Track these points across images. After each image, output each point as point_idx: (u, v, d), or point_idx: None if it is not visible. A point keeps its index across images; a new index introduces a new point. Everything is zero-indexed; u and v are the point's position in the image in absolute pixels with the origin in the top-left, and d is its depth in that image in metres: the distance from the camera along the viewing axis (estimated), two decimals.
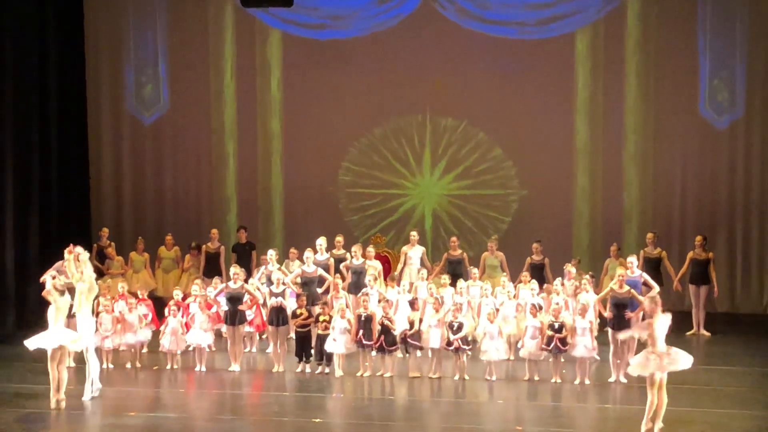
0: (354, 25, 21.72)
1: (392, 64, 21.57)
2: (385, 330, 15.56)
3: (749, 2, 20.34)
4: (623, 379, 15.02)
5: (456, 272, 18.00)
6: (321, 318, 15.73)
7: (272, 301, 16.17)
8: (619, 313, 15.21)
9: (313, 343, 15.87)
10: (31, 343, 13.88)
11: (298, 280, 17.14)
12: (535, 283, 16.81)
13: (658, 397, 12.33)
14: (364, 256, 17.67)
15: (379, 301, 16.18)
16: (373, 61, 21.64)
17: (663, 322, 12.41)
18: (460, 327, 15.40)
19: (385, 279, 17.71)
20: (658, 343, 12.33)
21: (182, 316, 16.28)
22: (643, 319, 13.08)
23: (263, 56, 22.03)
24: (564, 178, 21.31)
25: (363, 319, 15.63)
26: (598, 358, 15.53)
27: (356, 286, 17.18)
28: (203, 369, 16.01)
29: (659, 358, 12.26)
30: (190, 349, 16.26)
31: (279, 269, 16.95)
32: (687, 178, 20.92)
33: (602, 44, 21.05)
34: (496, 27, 21.19)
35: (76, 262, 14.14)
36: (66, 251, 14.18)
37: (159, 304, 17.92)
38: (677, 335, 15.94)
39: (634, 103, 21.01)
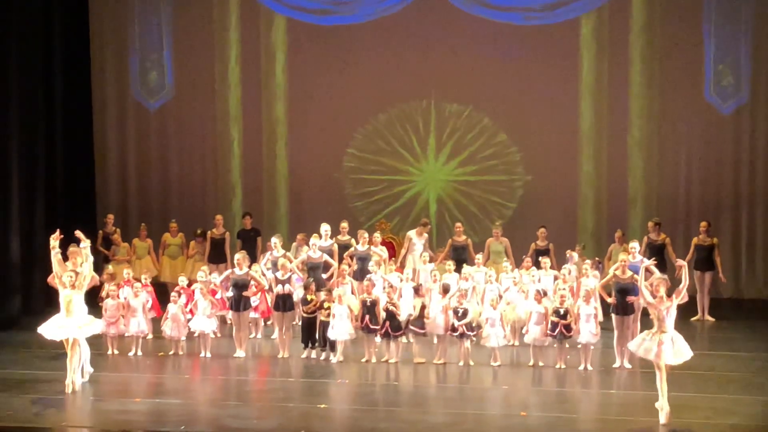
0: (359, 11, 21.69)
1: (397, 49, 21.55)
2: (390, 316, 15.59)
3: None
4: (627, 365, 15.04)
5: (460, 258, 18.01)
6: (325, 304, 15.77)
7: (278, 288, 16.18)
8: (622, 299, 15.22)
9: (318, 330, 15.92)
10: (46, 332, 13.95)
11: (303, 265, 17.17)
12: (535, 270, 16.80)
13: (658, 382, 12.36)
14: (370, 242, 17.67)
15: (384, 287, 16.20)
16: (378, 46, 21.63)
17: (674, 306, 12.45)
18: (464, 313, 15.42)
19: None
20: (664, 326, 12.35)
21: (186, 303, 16.32)
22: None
23: (268, 42, 22.02)
24: (569, 164, 21.30)
25: (368, 304, 15.66)
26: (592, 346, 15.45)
27: (361, 272, 17.18)
28: (208, 355, 16.04)
29: (654, 345, 12.30)
30: (195, 335, 16.28)
31: (284, 255, 16.96)
32: (692, 164, 20.91)
33: (607, 29, 21.02)
34: (500, 12, 21.15)
35: (77, 253, 14.21)
36: (51, 237, 14.18)
37: (163, 290, 17.97)
38: (682, 321, 15.93)
39: (638, 88, 20.97)
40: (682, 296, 12.66)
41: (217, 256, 19.10)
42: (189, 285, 16.70)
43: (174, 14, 22.10)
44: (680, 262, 13.36)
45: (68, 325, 13.74)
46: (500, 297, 16.01)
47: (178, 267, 19.30)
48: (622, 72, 20.98)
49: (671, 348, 12.34)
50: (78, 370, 13.87)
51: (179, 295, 16.37)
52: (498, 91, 21.31)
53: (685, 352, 12.47)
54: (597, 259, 17.06)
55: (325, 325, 15.74)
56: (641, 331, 13.34)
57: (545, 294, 15.84)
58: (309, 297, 15.98)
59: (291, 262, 16.80)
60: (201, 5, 22.08)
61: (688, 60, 20.64)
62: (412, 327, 15.65)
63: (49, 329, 13.91)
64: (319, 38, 21.76)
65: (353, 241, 17.81)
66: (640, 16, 20.85)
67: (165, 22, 22.11)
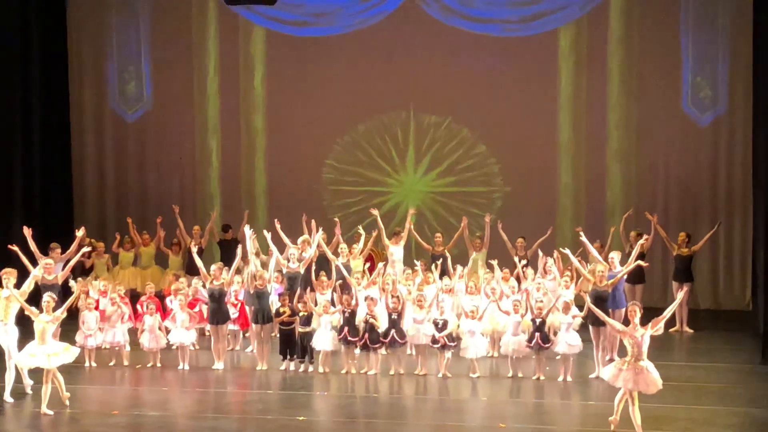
0: (338, 22, 21.71)
1: (376, 61, 21.58)
2: (370, 327, 15.58)
3: None
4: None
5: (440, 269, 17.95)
6: (300, 314, 15.74)
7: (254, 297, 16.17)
8: (598, 308, 15.11)
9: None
10: (20, 361, 13.88)
11: (282, 276, 17.09)
12: (514, 281, 16.78)
13: (631, 412, 12.40)
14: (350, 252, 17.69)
15: (365, 299, 16.18)
16: (357, 58, 21.64)
17: (648, 334, 12.49)
18: (444, 324, 15.42)
19: (371, 272, 17.68)
20: (642, 354, 12.40)
21: (158, 312, 16.27)
22: (626, 323, 13.09)
23: (246, 53, 22.01)
24: (547, 175, 21.35)
25: (347, 315, 15.65)
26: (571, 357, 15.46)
27: (341, 284, 17.09)
28: (186, 367, 15.98)
29: (631, 374, 12.33)
30: (174, 347, 16.22)
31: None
32: (670, 175, 20.97)
33: (585, 41, 21.09)
34: (479, 24, 21.21)
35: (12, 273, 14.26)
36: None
37: (137, 300, 17.89)
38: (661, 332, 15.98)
39: (616, 99, 21.05)
40: (657, 328, 12.66)
41: (195, 267, 18.99)
42: (161, 296, 16.72)
43: (152, 25, 22.08)
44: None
45: (39, 353, 13.61)
46: (477, 308, 15.99)
47: (149, 277, 19.23)
48: (600, 84, 21.05)
49: (647, 377, 12.38)
50: (46, 399, 13.65)
51: (156, 306, 16.30)
52: (477, 103, 21.34)
53: (657, 382, 12.49)
54: (569, 268, 16.92)
55: (303, 336, 15.72)
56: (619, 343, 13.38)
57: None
58: (282, 309, 15.93)
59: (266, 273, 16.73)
60: (179, 16, 22.05)
61: (666, 72, 20.72)
62: (396, 338, 15.59)
63: (22, 357, 13.82)
64: (297, 50, 21.77)
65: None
66: (618, 28, 20.93)
67: (143, 33, 22.08)
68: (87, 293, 16.46)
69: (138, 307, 16.72)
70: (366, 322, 15.58)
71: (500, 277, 16.66)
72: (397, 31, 21.42)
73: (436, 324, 15.45)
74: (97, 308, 16.31)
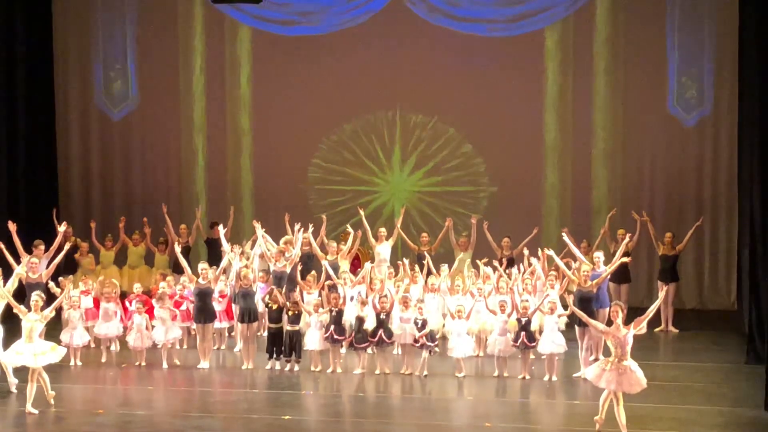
0: (324, 22, 21.69)
1: (362, 60, 21.57)
2: (357, 327, 15.59)
3: (717, 0, 20.44)
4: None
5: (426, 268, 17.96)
6: (289, 313, 15.72)
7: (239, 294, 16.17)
8: (583, 308, 15.15)
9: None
10: (5, 357, 13.85)
11: (268, 276, 17.09)
12: (504, 281, 16.77)
13: (616, 412, 12.44)
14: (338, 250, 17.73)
15: (351, 298, 16.19)
16: (344, 57, 21.62)
17: (631, 334, 12.53)
18: (424, 324, 15.44)
19: (354, 273, 17.69)
20: (625, 354, 12.44)
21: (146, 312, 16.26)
22: (609, 324, 13.12)
23: (233, 52, 21.98)
24: (533, 175, 21.36)
25: (334, 314, 15.65)
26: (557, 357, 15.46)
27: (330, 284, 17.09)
28: (171, 366, 15.95)
29: (615, 374, 12.37)
30: (158, 346, 16.19)
31: (246, 266, 16.92)
32: (655, 175, 21.01)
33: (571, 41, 21.11)
34: (466, 24, 21.22)
35: None
36: None
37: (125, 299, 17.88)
38: (646, 332, 16.01)
39: (603, 100, 21.07)
40: (640, 327, 12.71)
41: (181, 265, 18.95)
42: (151, 295, 16.66)
43: (138, 24, 22.02)
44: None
45: (26, 352, 13.58)
46: (463, 308, 15.99)
47: (137, 276, 19.19)
48: (587, 83, 21.08)
49: (630, 377, 12.41)
50: (31, 398, 13.62)
51: (144, 305, 16.29)
52: (463, 102, 21.35)
53: (642, 381, 12.52)
54: (555, 266, 16.84)
55: (291, 334, 15.70)
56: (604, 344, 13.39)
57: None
58: (274, 306, 15.90)
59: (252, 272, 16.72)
60: (165, 15, 22.00)
61: (652, 72, 20.75)
62: (384, 337, 15.58)
63: (8, 355, 13.80)
64: (284, 49, 21.74)
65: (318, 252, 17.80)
66: (604, 28, 20.96)
67: (129, 32, 22.02)
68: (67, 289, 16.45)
69: (126, 304, 16.72)
70: (358, 318, 15.56)
71: (494, 275, 16.58)
72: (383, 31, 21.41)
73: (416, 323, 15.47)
74: (78, 307, 16.28)
